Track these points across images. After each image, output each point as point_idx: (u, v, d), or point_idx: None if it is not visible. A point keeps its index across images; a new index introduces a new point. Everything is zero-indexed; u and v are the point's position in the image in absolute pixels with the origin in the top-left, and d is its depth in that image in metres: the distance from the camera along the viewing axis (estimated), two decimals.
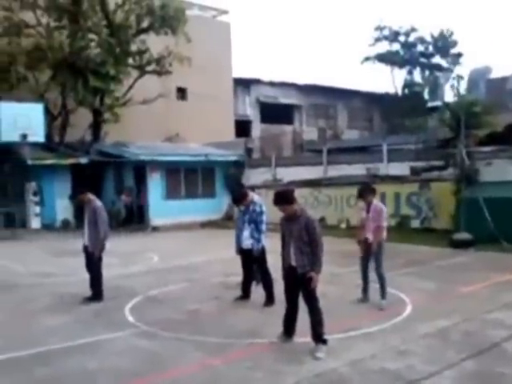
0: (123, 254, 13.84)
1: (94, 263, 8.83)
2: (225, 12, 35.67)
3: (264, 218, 8.45)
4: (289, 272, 6.19)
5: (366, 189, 8.36)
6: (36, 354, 6.25)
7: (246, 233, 8.44)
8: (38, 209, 21.48)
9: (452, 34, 43.44)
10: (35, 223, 21.35)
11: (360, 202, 8.54)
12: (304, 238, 5.99)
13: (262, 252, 8.45)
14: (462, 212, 14.52)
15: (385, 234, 8.13)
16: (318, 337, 6.02)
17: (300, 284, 6.11)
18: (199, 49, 26.58)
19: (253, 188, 17.84)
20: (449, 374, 5.42)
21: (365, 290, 8.38)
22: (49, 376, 5.61)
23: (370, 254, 8.22)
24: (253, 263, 8.62)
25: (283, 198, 6.14)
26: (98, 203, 8.89)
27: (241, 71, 36.00)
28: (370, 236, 8.12)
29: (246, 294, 8.65)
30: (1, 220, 18.88)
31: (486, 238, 13.37)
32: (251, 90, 36.67)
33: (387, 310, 7.82)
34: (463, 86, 20.34)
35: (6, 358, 6.14)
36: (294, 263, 6.09)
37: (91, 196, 8.96)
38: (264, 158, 25.68)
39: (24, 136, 19.20)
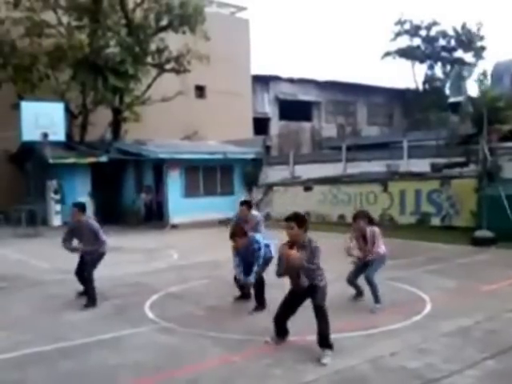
0: (143, 252, 13.99)
1: (87, 266, 8.80)
2: (243, 9, 35.73)
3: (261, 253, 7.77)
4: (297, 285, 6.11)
5: (357, 215, 7.89)
6: (60, 349, 6.35)
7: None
8: (58, 207, 21.83)
9: (480, 27, 42.93)
10: (56, 221, 21.69)
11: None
12: (309, 260, 5.85)
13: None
14: (483, 209, 14.32)
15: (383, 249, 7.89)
16: (325, 343, 5.87)
17: (305, 295, 6.07)
18: (218, 46, 26.63)
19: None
20: (470, 373, 5.36)
21: (358, 291, 8.22)
22: (72, 370, 5.70)
23: (363, 269, 7.95)
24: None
25: (297, 217, 5.97)
26: (85, 221, 8.95)
27: (259, 68, 35.97)
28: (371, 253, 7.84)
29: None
30: (23, 218, 19.14)
31: (508, 236, 13.16)
32: (270, 87, 36.64)
33: (408, 307, 7.76)
34: (487, 81, 19.95)
35: (32, 352, 6.27)
36: (302, 283, 5.98)
37: (83, 216, 8.98)
38: (282, 156, 25.62)
39: (45, 135, 19.41)
